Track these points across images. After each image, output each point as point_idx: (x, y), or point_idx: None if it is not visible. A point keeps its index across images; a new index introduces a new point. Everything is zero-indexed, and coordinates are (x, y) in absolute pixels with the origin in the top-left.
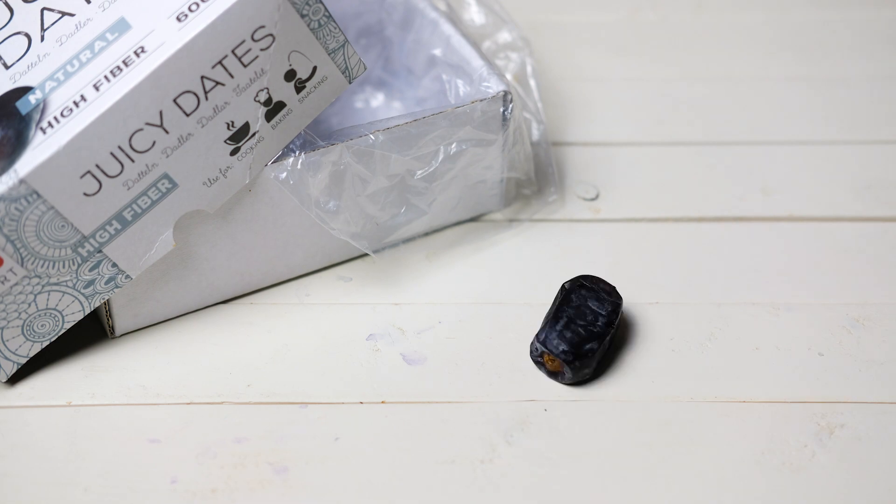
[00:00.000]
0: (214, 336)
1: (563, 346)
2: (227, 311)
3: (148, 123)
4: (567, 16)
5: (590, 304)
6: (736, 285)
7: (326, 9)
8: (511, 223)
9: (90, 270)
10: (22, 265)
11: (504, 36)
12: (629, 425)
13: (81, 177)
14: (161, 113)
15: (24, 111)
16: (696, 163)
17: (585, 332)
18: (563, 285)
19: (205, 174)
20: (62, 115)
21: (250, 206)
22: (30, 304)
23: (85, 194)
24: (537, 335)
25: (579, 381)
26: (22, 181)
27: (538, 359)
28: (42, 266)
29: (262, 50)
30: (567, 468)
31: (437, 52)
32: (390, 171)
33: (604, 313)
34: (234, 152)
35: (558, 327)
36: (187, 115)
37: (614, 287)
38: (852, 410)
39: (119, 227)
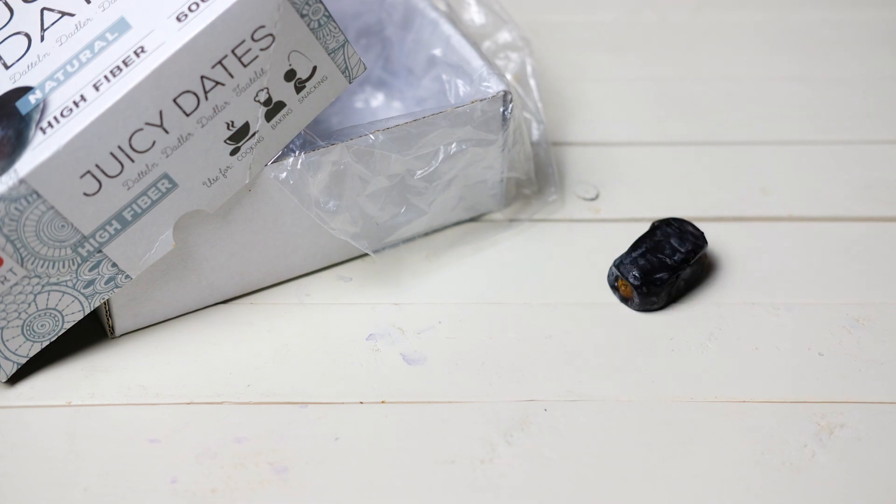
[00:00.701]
0: (214, 336)
1: (634, 272)
2: (227, 311)
3: (148, 123)
4: (567, 16)
5: (671, 241)
6: (736, 285)
7: (326, 9)
8: (511, 223)
9: (90, 270)
10: (22, 265)
11: (504, 36)
12: (629, 425)
13: (81, 177)
14: (161, 113)
15: (24, 111)
16: (696, 163)
17: (659, 263)
18: (652, 223)
19: (205, 174)
20: (62, 114)
21: (250, 206)
22: (30, 304)
23: (85, 194)
24: (615, 261)
25: (648, 309)
26: (22, 181)
27: (613, 283)
28: (42, 266)
29: (262, 50)
30: (567, 468)
31: (437, 52)
32: (390, 171)
33: (682, 250)
34: (234, 152)
35: (635, 255)
36: (187, 115)
37: (702, 233)
38: (852, 410)
39: (119, 227)
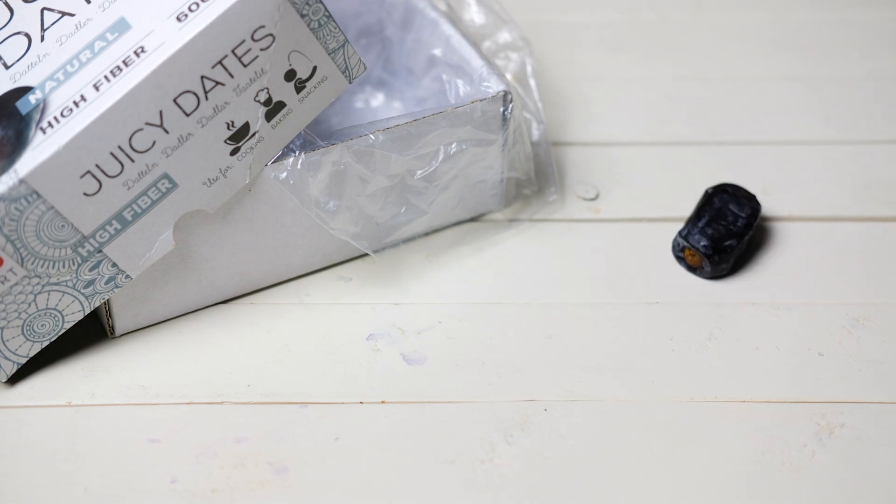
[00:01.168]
0: (214, 336)
1: (703, 242)
2: (227, 311)
3: (148, 123)
4: (567, 16)
5: (730, 207)
6: (736, 285)
7: (326, 9)
8: (511, 223)
9: (90, 270)
10: (22, 265)
11: (504, 36)
12: (629, 425)
13: (81, 177)
14: (161, 113)
15: (24, 111)
16: (696, 163)
17: (725, 231)
18: (706, 190)
19: (205, 174)
20: (62, 115)
21: (250, 206)
22: (30, 304)
23: (85, 194)
24: (679, 231)
25: (717, 276)
26: (22, 181)
27: (679, 254)
28: (42, 266)
29: (262, 50)
30: (567, 468)
31: (437, 52)
32: (390, 171)
33: (743, 215)
34: (234, 152)
35: (700, 224)
36: (187, 115)
37: (754, 195)
38: (852, 410)
39: (119, 227)
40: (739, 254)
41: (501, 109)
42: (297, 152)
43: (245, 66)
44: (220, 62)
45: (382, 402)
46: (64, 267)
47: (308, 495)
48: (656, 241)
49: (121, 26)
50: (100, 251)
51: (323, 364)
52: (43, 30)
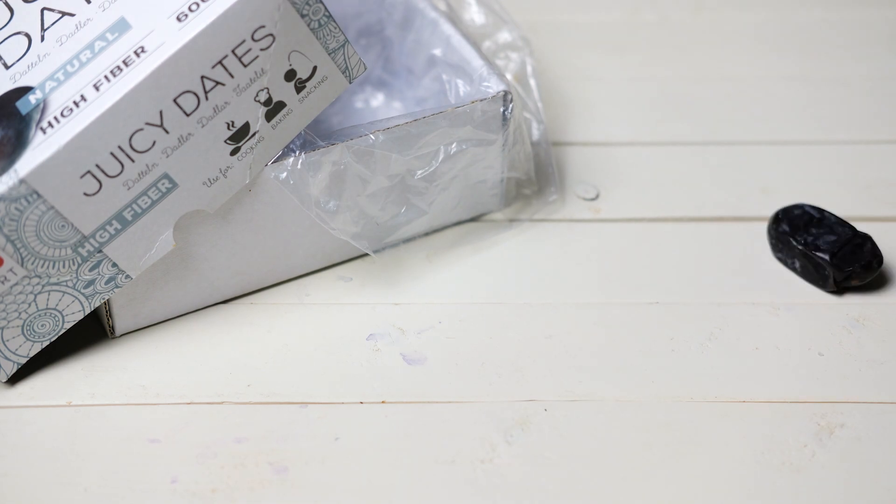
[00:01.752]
0: (214, 336)
1: (785, 218)
2: (227, 311)
3: (148, 123)
4: (567, 16)
5: (825, 236)
6: (736, 285)
7: (326, 9)
8: (511, 223)
9: (90, 270)
10: (22, 265)
11: (504, 36)
12: (629, 425)
13: (81, 177)
14: (161, 113)
15: (24, 111)
16: (696, 163)
17: (790, 231)
18: (853, 227)
19: (205, 174)
20: (62, 114)
21: (250, 206)
22: (30, 304)
23: (85, 194)
24: (801, 204)
25: (773, 246)
26: (22, 181)
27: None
28: (42, 266)
29: (262, 50)
30: (567, 468)
31: (437, 52)
32: (390, 171)
33: (801, 243)
34: (234, 152)
35: (805, 208)
36: (187, 115)
37: (874, 261)
38: (852, 410)
39: (119, 227)
40: (791, 260)
41: (501, 109)
42: (297, 152)
43: (245, 66)
44: (220, 62)
45: (382, 402)
46: (64, 267)
47: (308, 495)
48: (656, 241)
49: (121, 26)
50: (100, 251)
51: (323, 364)
52: (43, 30)
